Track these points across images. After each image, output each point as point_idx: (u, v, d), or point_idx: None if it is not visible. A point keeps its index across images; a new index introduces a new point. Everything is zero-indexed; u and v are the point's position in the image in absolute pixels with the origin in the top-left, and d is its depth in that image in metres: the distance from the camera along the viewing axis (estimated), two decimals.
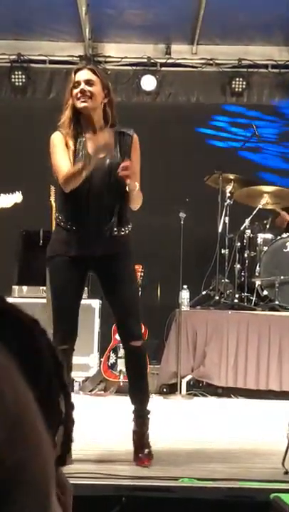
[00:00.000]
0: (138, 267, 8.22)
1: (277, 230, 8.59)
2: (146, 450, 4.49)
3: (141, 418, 4.57)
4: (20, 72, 9.59)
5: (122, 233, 4.53)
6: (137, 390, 4.69)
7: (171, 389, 7.85)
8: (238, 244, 8.38)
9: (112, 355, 7.90)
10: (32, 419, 0.72)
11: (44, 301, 7.93)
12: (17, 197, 6.35)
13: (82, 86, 4.53)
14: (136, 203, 4.54)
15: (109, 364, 7.86)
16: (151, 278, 9.04)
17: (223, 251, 8.40)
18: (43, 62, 9.64)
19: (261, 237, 8.41)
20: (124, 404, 7.22)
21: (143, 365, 4.73)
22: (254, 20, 9.02)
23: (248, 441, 5.07)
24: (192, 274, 8.20)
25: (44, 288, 7.98)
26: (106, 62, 9.65)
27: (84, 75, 4.58)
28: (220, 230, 8.41)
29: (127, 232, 4.56)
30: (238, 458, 4.61)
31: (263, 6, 8.67)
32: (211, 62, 9.64)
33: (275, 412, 6.03)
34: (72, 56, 9.59)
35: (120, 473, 4.08)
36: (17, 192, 6.35)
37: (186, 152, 9.59)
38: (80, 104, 4.54)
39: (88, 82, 4.55)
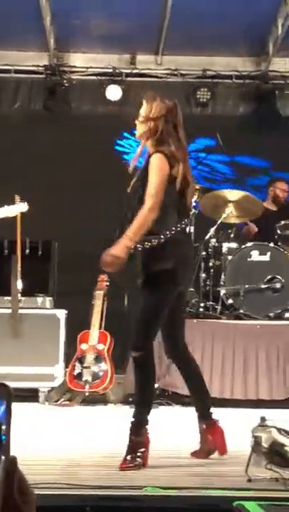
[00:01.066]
0: (104, 276, 8.24)
1: (243, 240, 8.66)
2: (126, 455, 4.58)
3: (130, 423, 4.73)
4: None
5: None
6: (134, 397, 4.93)
7: None
8: (203, 253, 8.42)
9: (78, 365, 7.89)
10: None
11: (9, 311, 7.92)
12: (22, 206, 6.32)
13: None
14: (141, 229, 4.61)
15: (75, 374, 7.85)
16: (118, 286, 9.04)
17: None
18: (8, 71, 9.64)
19: (226, 246, 8.46)
20: (90, 414, 7.23)
21: (136, 374, 4.91)
22: (219, 31, 9.10)
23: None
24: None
25: (9, 298, 7.96)
26: (71, 72, 9.69)
27: None
28: None
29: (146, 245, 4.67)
30: (201, 466, 4.63)
31: (227, 17, 8.75)
32: (176, 72, 9.71)
33: (239, 420, 6.05)
34: (37, 66, 9.61)
35: (84, 482, 4.07)
36: (21, 202, 6.33)
37: None
38: None
39: None
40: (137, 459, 4.57)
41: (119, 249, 4.57)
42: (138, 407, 4.80)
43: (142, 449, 4.61)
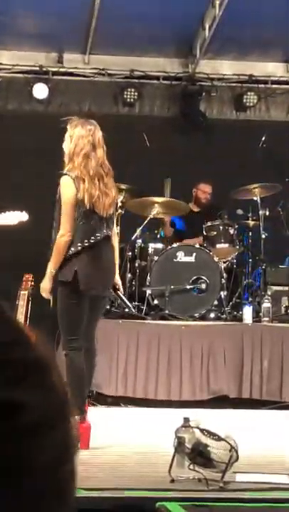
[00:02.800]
0: (28, 276, 8.16)
1: (166, 240, 8.70)
2: None
3: None
4: None
5: None
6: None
7: None
8: (130, 253, 8.42)
9: None
10: None
11: None
12: (22, 215, 6.18)
13: None
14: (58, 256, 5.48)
15: None
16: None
17: None
18: None
19: (152, 246, 8.48)
20: None
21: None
22: (147, 31, 9.11)
23: (135, 450, 5.09)
24: None
25: None
26: None
27: None
28: None
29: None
30: (125, 466, 4.62)
31: (156, 18, 8.76)
32: (104, 72, 9.68)
33: (163, 420, 6.06)
34: None
35: None
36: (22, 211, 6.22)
37: None
38: None
39: None
40: None
41: (44, 281, 5.61)
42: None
43: None
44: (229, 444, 4.21)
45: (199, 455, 4.23)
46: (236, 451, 4.21)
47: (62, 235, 5.41)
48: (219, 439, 4.24)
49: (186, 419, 4.38)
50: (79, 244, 5.42)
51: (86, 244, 5.43)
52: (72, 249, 5.42)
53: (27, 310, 8.11)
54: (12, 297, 8.13)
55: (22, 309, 8.04)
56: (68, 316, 5.52)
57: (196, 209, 9.36)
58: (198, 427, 4.30)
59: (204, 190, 9.42)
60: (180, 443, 4.24)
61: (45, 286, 5.57)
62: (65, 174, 5.44)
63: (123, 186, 8.59)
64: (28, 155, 9.44)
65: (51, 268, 5.50)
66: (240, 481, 4.23)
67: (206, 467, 4.21)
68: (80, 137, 5.47)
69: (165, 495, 3.84)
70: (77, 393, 5.25)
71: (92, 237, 5.46)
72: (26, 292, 8.15)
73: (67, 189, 5.41)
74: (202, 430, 4.30)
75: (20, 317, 8.00)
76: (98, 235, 5.49)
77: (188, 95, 9.83)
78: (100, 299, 5.73)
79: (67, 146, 5.52)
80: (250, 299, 8.49)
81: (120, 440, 5.60)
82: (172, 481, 4.12)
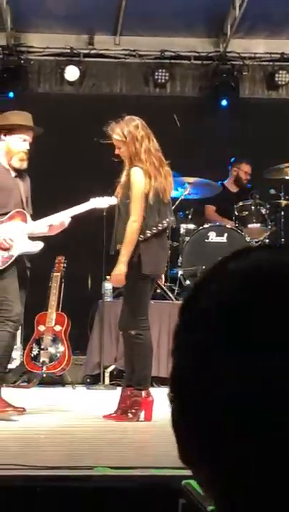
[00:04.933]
0: (60, 258, 8.23)
1: (202, 221, 8.69)
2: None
3: None
4: None
5: None
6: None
7: (94, 379, 7.87)
8: None
9: (35, 346, 7.88)
10: None
11: None
12: (112, 199, 6.23)
13: None
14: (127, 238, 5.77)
15: (32, 356, 7.84)
16: (75, 269, 9.04)
17: None
18: None
19: (184, 227, 8.48)
20: (47, 395, 7.24)
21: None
22: (177, 12, 9.07)
23: (161, 429, 5.12)
24: (115, 264, 8.21)
25: None
26: (29, 52, 9.60)
27: None
28: None
29: None
30: (151, 445, 4.66)
31: None
32: (134, 53, 9.66)
33: None
34: None
35: (35, 463, 4.08)
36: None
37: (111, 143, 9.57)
38: None
39: None
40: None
41: (119, 268, 5.72)
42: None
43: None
44: None
45: None
46: None
47: (135, 221, 5.71)
48: None
49: None
50: (148, 231, 5.76)
51: (154, 231, 5.79)
52: (142, 236, 5.74)
53: (60, 291, 8.19)
54: (45, 279, 8.22)
55: (55, 291, 8.12)
56: (140, 298, 5.87)
57: (234, 189, 9.28)
58: None
59: (245, 171, 9.30)
60: None
61: (121, 271, 5.74)
62: (135, 166, 5.76)
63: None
64: (59, 137, 9.47)
65: (125, 253, 5.72)
66: None
67: None
68: (134, 137, 5.79)
69: (191, 473, 3.87)
70: (148, 370, 5.80)
71: (160, 224, 5.83)
72: (59, 274, 8.24)
73: (139, 178, 5.72)
74: None
75: (54, 298, 8.08)
76: (165, 222, 5.88)
77: (220, 75, 9.77)
78: (153, 283, 6.18)
79: (125, 150, 5.82)
80: None
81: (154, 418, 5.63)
82: None
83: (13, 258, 5.96)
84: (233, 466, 0.81)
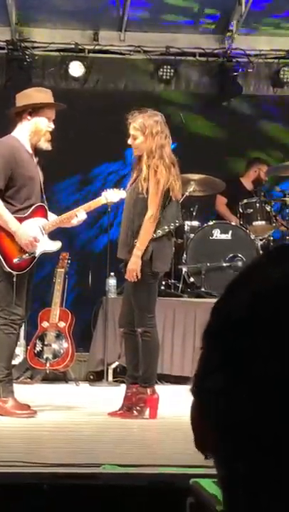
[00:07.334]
0: (65, 254, 8.21)
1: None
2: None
3: None
4: None
5: None
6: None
7: (98, 376, 7.86)
8: None
9: (39, 342, 7.86)
10: None
11: None
12: (122, 193, 6.19)
13: None
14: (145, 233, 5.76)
15: (36, 352, 7.82)
16: (79, 265, 9.03)
17: None
18: None
19: (188, 224, 8.46)
20: (51, 392, 7.22)
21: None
22: (182, 8, 9.04)
23: (169, 427, 5.11)
24: (119, 261, 8.20)
25: None
26: (33, 47, 9.57)
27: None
28: None
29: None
30: (159, 443, 4.64)
31: None
32: (139, 49, 9.63)
33: None
34: None
35: (42, 460, 4.06)
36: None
37: (116, 139, 9.55)
38: None
39: None
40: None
41: (134, 262, 5.70)
42: None
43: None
44: None
45: None
46: None
47: (152, 217, 5.71)
48: None
49: None
50: (160, 230, 5.78)
51: (166, 230, 5.83)
52: (153, 234, 5.75)
53: (64, 288, 8.17)
54: (49, 275, 8.20)
55: (59, 287, 8.10)
56: (150, 295, 5.87)
57: (250, 187, 9.18)
58: None
59: (265, 172, 9.21)
60: None
61: (136, 266, 5.71)
62: (153, 161, 5.71)
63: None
64: (63, 133, 9.44)
65: (140, 248, 5.72)
66: None
67: None
68: (156, 132, 5.77)
69: (199, 471, 3.85)
70: (154, 367, 5.86)
71: (172, 224, 5.88)
72: (63, 270, 8.21)
73: (158, 176, 5.69)
74: None
75: (58, 294, 8.06)
76: (177, 221, 5.96)
77: (225, 71, 9.73)
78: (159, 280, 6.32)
79: (140, 142, 5.77)
80: None
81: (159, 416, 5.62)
82: (206, 457, 4.12)
83: (35, 260, 5.87)
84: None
